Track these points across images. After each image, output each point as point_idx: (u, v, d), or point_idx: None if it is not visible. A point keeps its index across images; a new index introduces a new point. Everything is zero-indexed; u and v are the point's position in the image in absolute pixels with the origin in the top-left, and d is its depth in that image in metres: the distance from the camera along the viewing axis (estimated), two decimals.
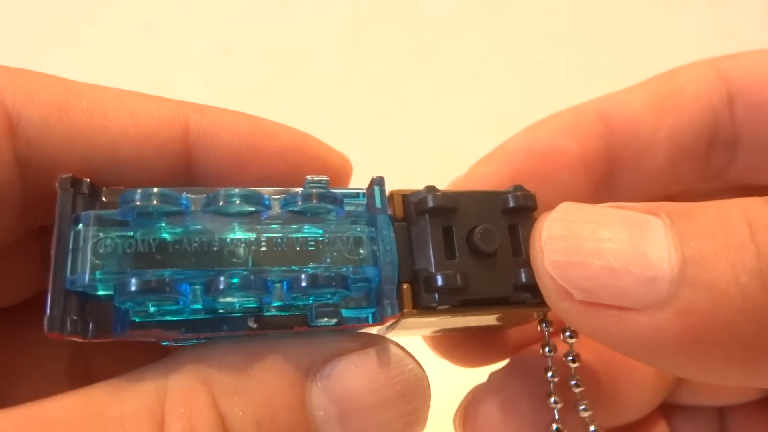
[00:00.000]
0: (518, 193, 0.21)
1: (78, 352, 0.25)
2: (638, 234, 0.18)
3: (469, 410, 0.26)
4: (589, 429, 0.25)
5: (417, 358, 0.21)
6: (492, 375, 0.27)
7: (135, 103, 0.23)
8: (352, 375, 0.19)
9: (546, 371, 0.24)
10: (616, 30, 0.71)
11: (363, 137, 0.74)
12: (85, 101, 0.21)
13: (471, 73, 0.75)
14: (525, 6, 0.74)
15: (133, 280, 0.17)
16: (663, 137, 0.27)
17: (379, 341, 0.20)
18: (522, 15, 0.74)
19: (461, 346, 0.30)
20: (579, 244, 0.18)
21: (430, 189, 0.21)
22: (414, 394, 0.20)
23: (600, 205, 0.20)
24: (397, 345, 0.21)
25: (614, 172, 0.28)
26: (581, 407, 0.24)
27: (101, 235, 0.17)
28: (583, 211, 0.19)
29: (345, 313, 0.20)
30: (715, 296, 0.16)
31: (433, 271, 0.20)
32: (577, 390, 0.24)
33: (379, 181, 0.21)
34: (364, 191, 0.22)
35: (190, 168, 0.23)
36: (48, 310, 0.16)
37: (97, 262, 0.17)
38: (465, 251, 0.21)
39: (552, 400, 0.24)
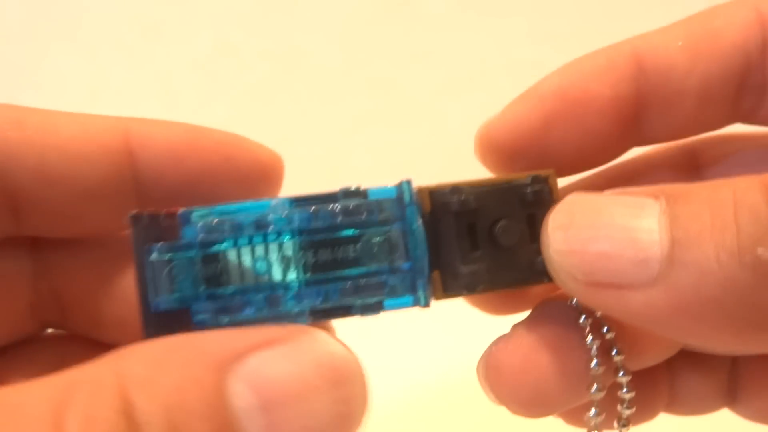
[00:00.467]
0: (536, 189, 0.24)
1: None
2: (633, 218, 0.20)
3: (491, 360, 0.26)
4: (618, 373, 0.26)
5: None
6: (515, 326, 0.27)
7: (79, 118, 0.26)
8: (275, 363, 0.18)
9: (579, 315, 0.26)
10: (616, 30, 0.70)
11: (363, 137, 0.74)
12: (36, 119, 0.24)
13: (471, 73, 0.75)
14: (525, 6, 0.74)
15: (206, 303, 0.21)
16: (694, 83, 0.27)
17: (306, 330, 0.20)
18: (522, 15, 0.74)
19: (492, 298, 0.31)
20: (578, 232, 0.21)
21: (455, 191, 0.24)
22: (345, 380, 0.19)
23: (606, 192, 0.22)
24: (328, 333, 0.20)
25: (642, 116, 0.27)
26: (613, 351, 0.25)
27: (173, 261, 0.21)
28: (585, 202, 0.22)
29: (386, 303, 0.23)
30: (699, 274, 0.18)
31: (459, 263, 0.23)
32: (608, 335, 0.25)
33: (408, 180, 0.24)
34: (395, 186, 0.24)
35: (134, 164, 0.25)
36: (144, 332, 0.20)
37: (172, 286, 0.21)
38: (487, 244, 0.24)
39: (589, 339, 0.25)
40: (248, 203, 0.22)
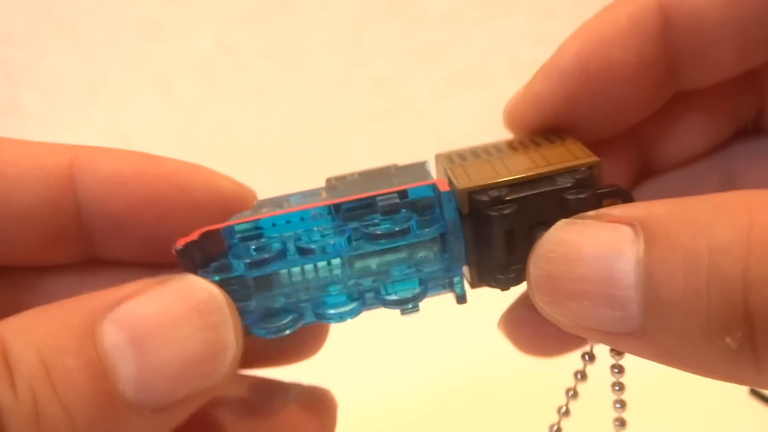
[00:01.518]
0: (579, 196, 0.23)
1: None
2: (609, 265, 0.19)
3: (511, 316, 0.26)
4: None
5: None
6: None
7: (24, 143, 0.26)
8: (143, 304, 0.19)
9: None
10: None
11: (363, 137, 0.74)
12: None
13: (471, 73, 0.75)
14: (525, 6, 0.74)
15: (256, 315, 0.23)
16: (729, 33, 0.25)
17: (175, 276, 0.21)
18: (522, 15, 0.74)
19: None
20: (557, 284, 0.20)
21: (496, 201, 0.23)
22: (209, 310, 0.20)
23: (587, 216, 0.21)
24: (197, 276, 0.21)
25: (676, 70, 0.26)
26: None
27: (224, 281, 0.22)
28: (562, 245, 0.21)
29: (421, 296, 0.24)
30: (676, 338, 0.18)
31: (496, 265, 0.23)
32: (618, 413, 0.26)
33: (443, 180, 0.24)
34: (435, 184, 0.23)
35: (75, 189, 0.25)
36: None
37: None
38: (524, 246, 0.23)
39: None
40: (286, 214, 0.23)
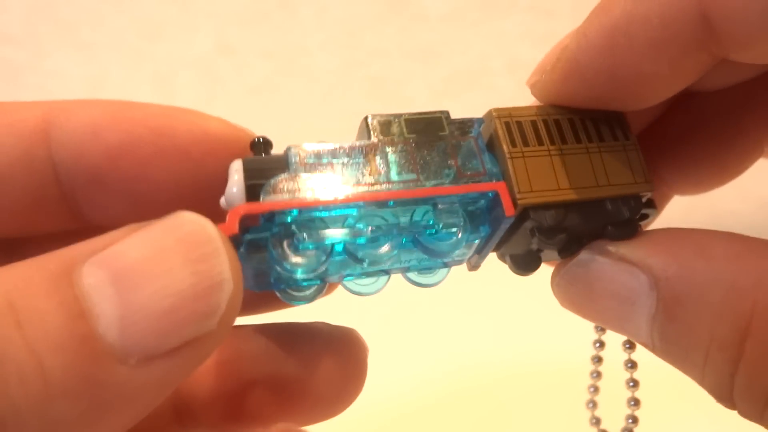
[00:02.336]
0: (620, 232, 0.23)
1: None
2: (623, 311, 0.22)
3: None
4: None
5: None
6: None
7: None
8: (127, 242, 0.17)
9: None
10: None
11: None
12: None
13: (471, 73, 0.75)
14: (525, 6, 0.74)
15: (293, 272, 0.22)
16: None
17: (169, 215, 0.19)
18: (522, 15, 0.74)
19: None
20: (576, 309, 0.24)
21: (551, 230, 0.23)
22: (199, 241, 0.17)
23: (606, 252, 0.23)
24: (189, 212, 0.19)
25: (724, 68, 0.23)
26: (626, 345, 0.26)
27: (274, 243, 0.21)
28: (584, 279, 0.23)
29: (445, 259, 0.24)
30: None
31: (518, 254, 0.25)
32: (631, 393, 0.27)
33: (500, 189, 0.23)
34: (497, 193, 0.23)
35: (49, 144, 0.23)
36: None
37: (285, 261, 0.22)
38: (550, 249, 0.24)
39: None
40: (337, 209, 0.22)
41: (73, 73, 0.77)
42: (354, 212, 0.22)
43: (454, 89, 0.76)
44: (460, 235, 0.23)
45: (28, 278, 0.16)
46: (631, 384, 0.27)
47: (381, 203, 0.22)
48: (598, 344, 0.28)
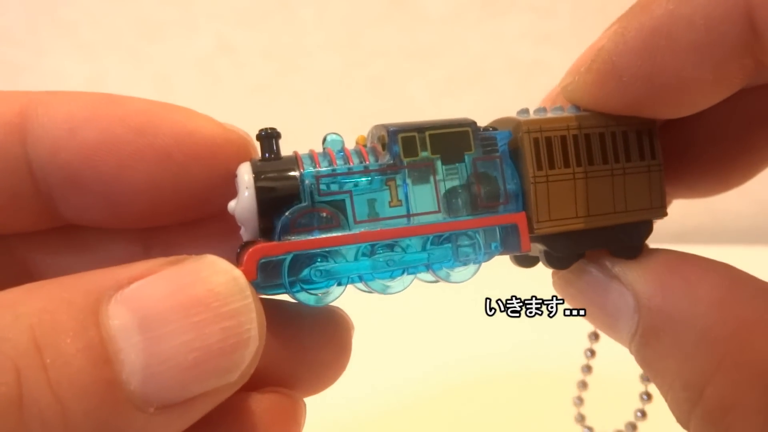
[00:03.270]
0: (625, 254, 0.24)
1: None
2: (610, 319, 0.23)
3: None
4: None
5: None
6: None
7: None
8: (156, 285, 0.17)
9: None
10: None
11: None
12: None
13: (471, 73, 0.75)
14: (525, 6, 0.74)
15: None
16: None
17: (191, 256, 0.18)
18: (522, 15, 0.74)
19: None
20: (574, 301, 0.25)
21: (551, 252, 0.24)
22: (230, 295, 0.17)
23: (601, 267, 0.23)
24: (219, 258, 0.18)
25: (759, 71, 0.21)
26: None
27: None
28: (578, 287, 0.24)
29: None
30: None
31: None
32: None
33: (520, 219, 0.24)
34: (517, 226, 0.23)
35: (24, 140, 0.22)
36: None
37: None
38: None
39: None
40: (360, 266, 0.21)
41: (73, 73, 0.77)
42: (369, 248, 0.22)
43: (454, 89, 0.76)
44: (471, 265, 0.23)
45: (52, 312, 0.15)
46: (586, 369, 0.29)
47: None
48: (589, 353, 0.29)
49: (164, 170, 0.22)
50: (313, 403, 0.24)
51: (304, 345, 0.23)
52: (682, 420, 0.20)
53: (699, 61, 0.20)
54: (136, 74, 0.77)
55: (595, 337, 0.29)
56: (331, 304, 0.22)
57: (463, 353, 0.50)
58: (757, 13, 0.19)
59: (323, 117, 0.75)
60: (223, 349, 0.17)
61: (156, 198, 0.22)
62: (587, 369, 0.30)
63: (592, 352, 0.29)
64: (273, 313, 0.22)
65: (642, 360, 0.22)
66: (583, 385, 0.30)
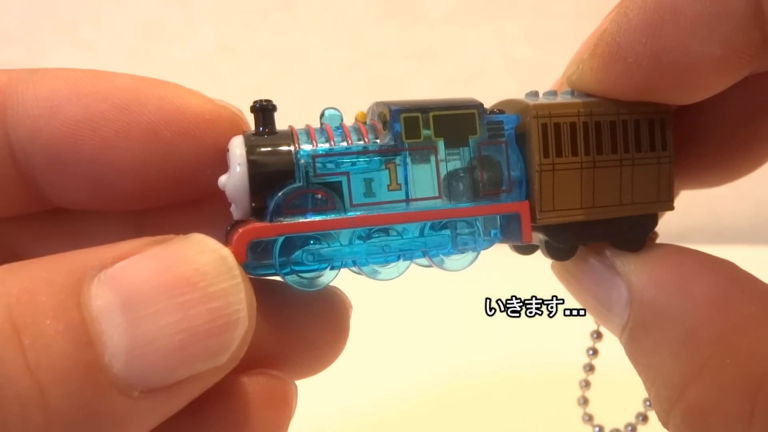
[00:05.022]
0: (627, 246, 0.23)
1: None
2: (601, 307, 0.23)
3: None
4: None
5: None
6: None
7: None
8: (139, 262, 0.16)
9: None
10: None
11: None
12: None
13: (471, 73, 0.75)
14: (525, 6, 0.74)
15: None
16: None
17: (179, 236, 0.17)
18: (522, 15, 0.74)
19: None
20: (570, 287, 0.25)
21: (552, 242, 0.23)
22: (217, 274, 0.16)
23: (601, 257, 0.23)
24: (206, 236, 0.17)
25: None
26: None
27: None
28: (573, 275, 0.24)
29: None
30: None
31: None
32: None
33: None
34: (520, 215, 0.22)
35: (4, 122, 0.21)
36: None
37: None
38: None
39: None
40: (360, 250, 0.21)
41: None
42: (365, 231, 0.21)
43: (454, 89, 0.76)
44: (469, 253, 0.22)
45: (32, 292, 0.15)
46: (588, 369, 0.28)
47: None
48: (591, 351, 0.29)
49: (151, 149, 0.21)
50: (315, 405, 0.23)
51: (300, 325, 0.22)
52: (661, 418, 0.20)
53: (706, 34, 0.19)
54: (135, 74, 0.77)
55: (597, 335, 0.28)
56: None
57: (464, 353, 0.50)
58: None
59: None
60: (211, 330, 0.16)
61: (143, 178, 0.21)
62: (590, 368, 0.29)
63: (595, 351, 0.29)
64: (266, 292, 0.21)
65: (629, 353, 0.21)
66: (586, 384, 0.30)
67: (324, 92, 0.76)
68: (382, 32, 0.75)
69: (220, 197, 0.20)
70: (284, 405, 0.21)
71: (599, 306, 0.23)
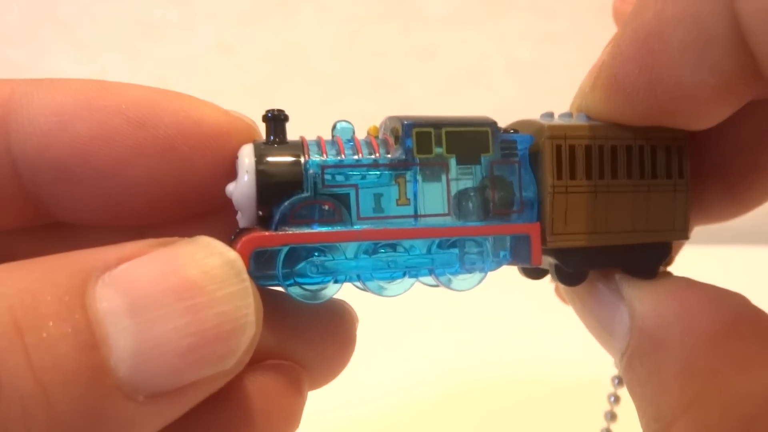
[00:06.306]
0: (638, 273, 0.23)
1: None
2: (604, 333, 0.23)
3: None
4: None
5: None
6: None
7: None
8: (145, 264, 0.16)
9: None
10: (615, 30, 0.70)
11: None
12: None
13: (471, 73, 0.75)
14: (525, 6, 0.74)
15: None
16: None
17: (186, 239, 0.17)
18: (522, 15, 0.74)
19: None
20: (575, 310, 0.25)
21: (562, 267, 0.23)
22: (226, 278, 0.16)
23: (607, 282, 0.23)
24: (213, 239, 0.17)
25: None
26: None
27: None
28: (581, 300, 0.24)
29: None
30: None
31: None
32: None
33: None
34: (530, 237, 0.22)
35: (7, 137, 0.20)
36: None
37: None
38: None
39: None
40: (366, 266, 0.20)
41: (73, 73, 0.77)
42: (371, 246, 0.21)
43: (454, 89, 0.76)
44: (476, 273, 0.22)
45: (35, 293, 0.14)
46: (612, 399, 0.27)
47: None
48: (617, 380, 0.27)
49: (166, 164, 0.20)
50: (321, 416, 0.23)
51: (306, 337, 0.22)
52: None
53: (696, 62, 0.19)
54: (136, 74, 0.77)
55: (619, 382, 0.27)
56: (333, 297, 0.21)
57: (470, 364, 0.50)
58: (738, 4, 0.18)
59: (323, 117, 0.75)
60: (219, 335, 0.16)
61: (157, 193, 0.21)
62: (615, 399, 0.28)
63: (620, 380, 0.27)
64: (273, 304, 0.21)
65: (626, 382, 0.21)
66: (612, 416, 0.28)
67: (324, 92, 0.76)
68: (382, 32, 0.75)
69: (226, 209, 0.20)
70: (296, 392, 0.21)
71: (602, 330, 0.23)
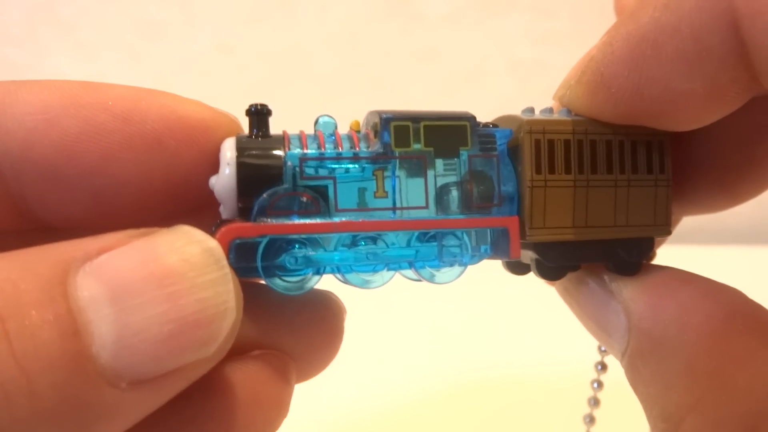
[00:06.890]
0: (623, 270, 0.23)
1: None
2: (600, 332, 0.23)
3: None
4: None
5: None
6: None
7: None
8: (126, 253, 0.16)
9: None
10: None
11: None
12: None
13: (471, 73, 0.75)
14: (525, 6, 0.74)
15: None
16: None
17: (166, 229, 0.17)
18: (522, 15, 0.74)
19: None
20: (571, 308, 0.25)
21: (542, 261, 0.23)
22: (205, 265, 0.16)
23: (598, 279, 0.23)
24: (193, 228, 0.17)
25: (756, 82, 0.20)
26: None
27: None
28: (574, 298, 0.24)
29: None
30: None
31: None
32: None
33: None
34: (508, 230, 0.22)
35: None
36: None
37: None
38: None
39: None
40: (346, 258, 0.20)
41: (73, 73, 0.77)
42: (350, 238, 0.21)
43: (454, 89, 0.76)
44: (456, 266, 0.22)
45: (16, 282, 0.15)
46: (595, 385, 0.28)
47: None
48: (599, 366, 0.27)
49: (153, 158, 0.20)
50: (308, 411, 0.23)
51: (293, 328, 0.22)
52: None
53: (687, 72, 0.19)
54: (135, 74, 0.77)
55: (605, 350, 0.27)
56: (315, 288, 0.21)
57: (460, 359, 0.50)
58: (742, 24, 0.18)
59: None
60: (200, 321, 0.16)
61: (144, 189, 0.21)
62: (598, 385, 0.28)
63: (603, 366, 0.28)
64: (258, 295, 0.21)
65: (630, 381, 0.21)
66: (595, 402, 0.28)
67: (324, 92, 0.76)
68: (382, 32, 0.75)
69: (213, 205, 0.20)
70: (284, 380, 0.21)
71: (600, 331, 0.23)
